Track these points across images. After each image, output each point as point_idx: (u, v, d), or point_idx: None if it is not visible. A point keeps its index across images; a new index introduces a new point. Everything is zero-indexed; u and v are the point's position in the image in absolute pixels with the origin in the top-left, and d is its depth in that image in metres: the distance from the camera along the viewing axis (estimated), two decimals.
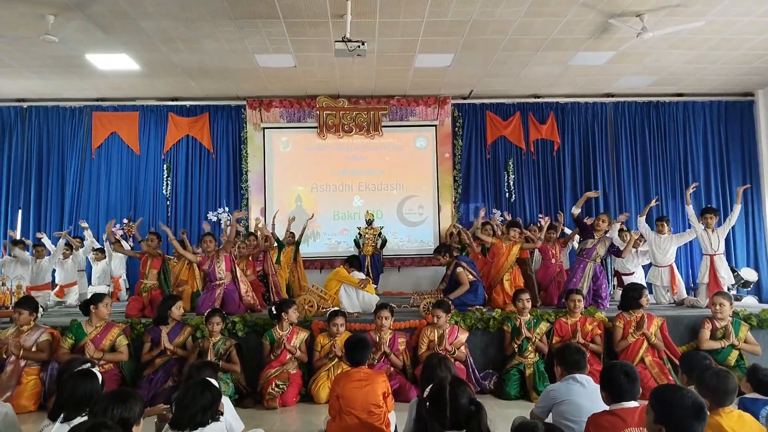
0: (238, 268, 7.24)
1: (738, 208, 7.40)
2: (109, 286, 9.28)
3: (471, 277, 7.01)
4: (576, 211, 7.32)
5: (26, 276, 8.06)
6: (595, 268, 7.07)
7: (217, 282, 6.98)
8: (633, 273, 8.36)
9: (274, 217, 9.36)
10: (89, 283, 9.44)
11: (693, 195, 8.47)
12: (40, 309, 5.97)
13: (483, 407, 2.67)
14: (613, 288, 8.53)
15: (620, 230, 8.18)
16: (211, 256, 7.04)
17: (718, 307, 5.97)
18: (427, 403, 2.68)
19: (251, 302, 7.23)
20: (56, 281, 9.09)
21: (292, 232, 9.10)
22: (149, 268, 7.36)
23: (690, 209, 7.55)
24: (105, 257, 9.40)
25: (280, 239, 8.96)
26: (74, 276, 9.02)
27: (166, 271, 7.49)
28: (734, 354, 5.85)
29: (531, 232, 8.08)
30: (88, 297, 6.29)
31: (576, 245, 8.15)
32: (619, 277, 8.53)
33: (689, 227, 8.07)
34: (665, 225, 7.96)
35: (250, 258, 8.08)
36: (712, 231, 7.36)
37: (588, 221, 7.92)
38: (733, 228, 10.72)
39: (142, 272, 7.42)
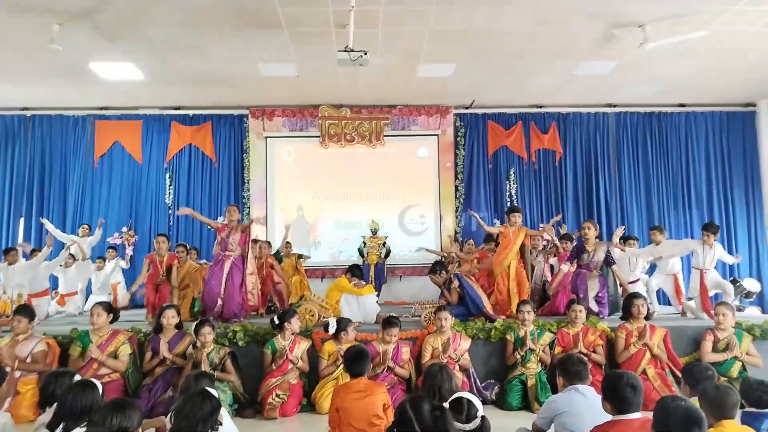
0: (249, 264, 7.24)
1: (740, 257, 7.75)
2: (109, 294, 9.26)
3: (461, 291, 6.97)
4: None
5: (25, 284, 8.00)
6: (599, 280, 7.00)
7: (227, 252, 7.03)
8: (637, 281, 8.28)
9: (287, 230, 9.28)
10: (88, 293, 9.40)
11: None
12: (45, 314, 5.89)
13: (446, 410, 2.68)
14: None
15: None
16: (231, 227, 7.11)
17: (721, 317, 5.92)
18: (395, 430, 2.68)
19: (252, 302, 7.24)
20: (58, 289, 9.07)
21: (288, 242, 9.07)
22: (164, 267, 7.32)
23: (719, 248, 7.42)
24: (105, 265, 9.39)
25: (279, 252, 8.94)
26: (76, 285, 9.00)
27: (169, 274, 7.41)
28: (737, 366, 5.79)
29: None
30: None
31: None
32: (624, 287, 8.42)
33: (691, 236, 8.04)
34: (657, 234, 7.83)
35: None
36: (710, 248, 7.20)
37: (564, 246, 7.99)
38: (735, 238, 10.77)
39: (154, 274, 7.32)
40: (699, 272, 7.20)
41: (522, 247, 7.32)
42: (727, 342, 5.88)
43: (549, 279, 8.01)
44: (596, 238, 7.09)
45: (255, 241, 8.29)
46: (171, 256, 7.48)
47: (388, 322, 5.83)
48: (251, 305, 7.27)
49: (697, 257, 7.27)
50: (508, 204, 10.86)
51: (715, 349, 5.91)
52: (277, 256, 8.78)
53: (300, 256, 9.34)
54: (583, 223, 7.37)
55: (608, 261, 7.07)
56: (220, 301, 6.89)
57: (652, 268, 8.59)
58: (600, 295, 6.96)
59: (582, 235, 7.13)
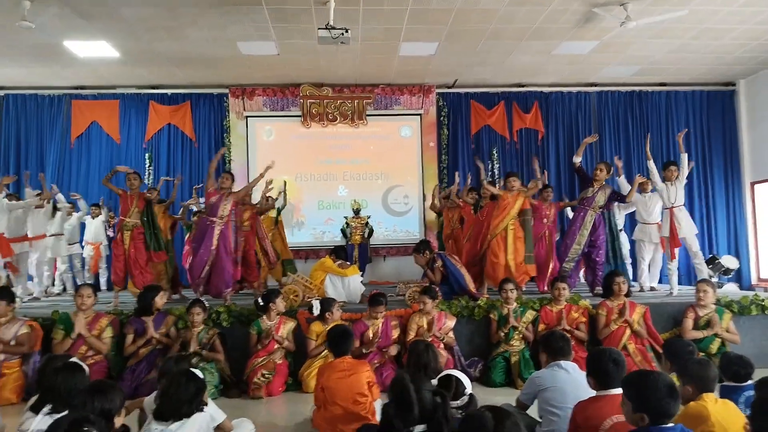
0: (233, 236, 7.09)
1: (684, 157, 7.39)
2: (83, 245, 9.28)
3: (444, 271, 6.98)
4: (577, 159, 7.40)
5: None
6: (596, 218, 7.14)
7: (216, 218, 6.80)
8: (620, 230, 8.37)
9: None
10: (81, 239, 9.38)
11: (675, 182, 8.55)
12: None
13: (447, 396, 2.69)
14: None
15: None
16: (222, 193, 6.90)
17: (702, 294, 5.98)
18: (393, 404, 2.67)
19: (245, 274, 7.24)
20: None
21: (269, 197, 8.62)
22: (134, 206, 7.16)
23: (651, 164, 7.49)
24: (101, 213, 9.40)
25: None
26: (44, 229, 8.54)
27: (150, 213, 7.31)
28: (716, 342, 5.88)
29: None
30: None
31: (570, 213, 8.35)
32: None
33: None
34: (648, 184, 8.00)
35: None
36: (671, 184, 7.31)
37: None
38: (714, 216, 10.92)
39: (124, 210, 7.20)
40: (669, 211, 7.27)
41: (521, 212, 7.20)
42: (708, 319, 5.96)
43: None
44: (605, 181, 7.28)
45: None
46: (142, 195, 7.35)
47: (373, 300, 5.85)
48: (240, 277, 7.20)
49: (665, 195, 7.32)
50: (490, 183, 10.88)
51: (696, 326, 5.99)
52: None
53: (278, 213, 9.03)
54: (598, 163, 7.49)
55: (618, 197, 7.41)
56: (207, 270, 6.74)
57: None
58: (599, 235, 7.19)
59: (594, 174, 7.27)
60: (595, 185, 7.22)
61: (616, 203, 7.86)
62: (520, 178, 9.96)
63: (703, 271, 7.36)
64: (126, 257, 7.08)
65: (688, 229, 7.31)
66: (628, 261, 8.50)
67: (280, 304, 5.89)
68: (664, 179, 7.37)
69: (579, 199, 7.45)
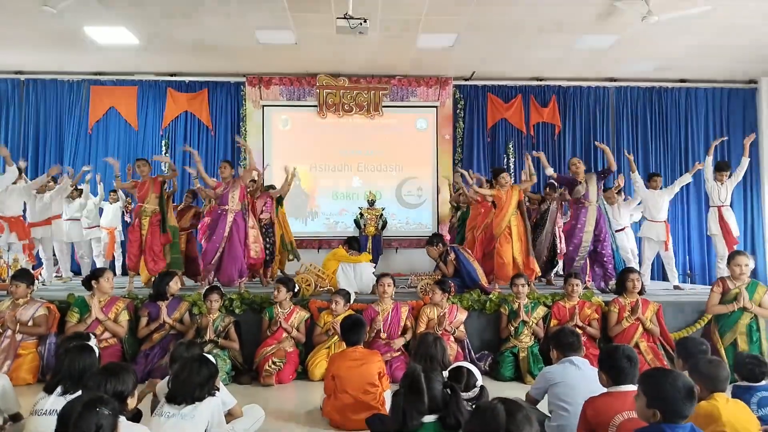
0: (250, 218, 7.15)
1: (746, 161, 7.46)
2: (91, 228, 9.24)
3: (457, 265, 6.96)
4: (550, 171, 7.42)
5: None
6: (597, 212, 7.08)
7: (227, 207, 6.83)
8: (624, 228, 8.35)
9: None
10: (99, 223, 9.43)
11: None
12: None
13: (457, 389, 2.69)
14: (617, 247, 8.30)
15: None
16: (227, 182, 6.95)
17: (744, 267, 5.51)
18: (404, 391, 2.68)
19: (255, 256, 7.17)
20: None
21: (271, 185, 8.56)
22: (150, 192, 7.15)
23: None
24: (119, 199, 9.52)
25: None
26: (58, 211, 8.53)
27: (162, 197, 7.28)
28: (745, 319, 5.48)
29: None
30: None
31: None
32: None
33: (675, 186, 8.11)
34: (657, 180, 8.06)
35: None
36: (721, 184, 7.49)
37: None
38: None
39: (141, 197, 7.18)
40: (717, 209, 7.47)
41: (519, 204, 7.19)
42: (737, 292, 5.52)
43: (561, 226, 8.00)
44: (586, 172, 7.21)
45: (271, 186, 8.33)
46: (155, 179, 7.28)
47: (380, 275, 6.00)
48: (254, 259, 7.20)
49: (713, 193, 7.55)
50: None
51: (724, 300, 5.61)
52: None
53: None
54: (570, 159, 7.43)
55: (602, 172, 7.36)
56: (218, 255, 6.77)
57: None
58: (601, 228, 7.12)
59: (573, 173, 7.19)
60: (581, 180, 7.11)
61: (625, 201, 8.05)
62: (537, 171, 9.97)
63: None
64: (141, 243, 7.12)
65: (736, 229, 7.44)
66: (635, 258, 8.43)
67: (282, 293, 5.86)
68: (715, 179, 7.51)
69: (575, 199, 7.27)
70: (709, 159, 7.61)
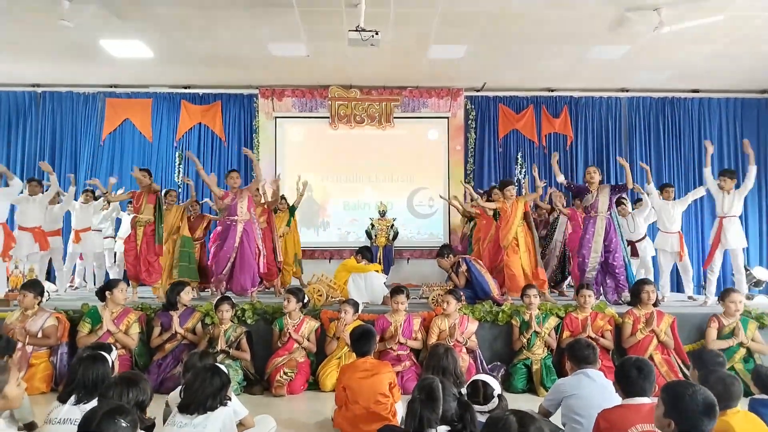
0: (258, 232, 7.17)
1: (753, 170, 7.23)
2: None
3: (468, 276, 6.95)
4: (561, 178, 7.39)
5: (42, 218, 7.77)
6: (606, 223, 7.02)
7: (236, 217, 6.88)
8: (644, 237, 8.28)
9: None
10: (116, 234, 9.46)
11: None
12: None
13: (471, 406, 2.69)
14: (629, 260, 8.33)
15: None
16: (235, 192, 6.99)
17: (738, 304, 5.77)
18: (420, 398, 2.69)
19: (266, 269, 7.21)
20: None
21: (282, 196, 8.63)
22: (145, 203, 7.23)
23: (707, 171, 7.46)
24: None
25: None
26: (88, 223, 8.72)
27: (160, 208, 7.35)
28: (741, 352, 5.71)
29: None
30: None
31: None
32: (633, 246, 8.26)
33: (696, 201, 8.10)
34: (670, 191, 7.99)
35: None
36: (727, 193, 7.24)
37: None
38: (746, 226, 10.68)
39: (136, 208, 7.31)
40: (719, 220, 7.28)
41: (525, 215, 7.26)
42: (733, 328, 5.79)
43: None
44: (600, 183, 7.18)
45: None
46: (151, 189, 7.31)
47: (394, 290, 5.95)
48: (264, 272, 7.24)
49: (719, 203, 7.32)
50: (517, 188, 10.77)
51: (720, 336, 5.83)
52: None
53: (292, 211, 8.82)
54: (587, 168, 7.37)
55: (618, 188, 7.18)
56: (229, 267, 6.81)
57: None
58: (611, 239, 7.04)
59: (587, 181, 7.18)
60: (592, 190, 7.09)
61: (635, 211, 7.97)
62: (548, 182, 9.92)
63: (743, 287, 7.22)
64: (137, 253, 7.19)
65: (735, 241, 7.21)
66: (651, 270, 8.37)
67: (292, 303, 5.86)
68: (719, 186, 7.30)
69: (584, 209, 7.29)
70: (707, 170, 7.45)
